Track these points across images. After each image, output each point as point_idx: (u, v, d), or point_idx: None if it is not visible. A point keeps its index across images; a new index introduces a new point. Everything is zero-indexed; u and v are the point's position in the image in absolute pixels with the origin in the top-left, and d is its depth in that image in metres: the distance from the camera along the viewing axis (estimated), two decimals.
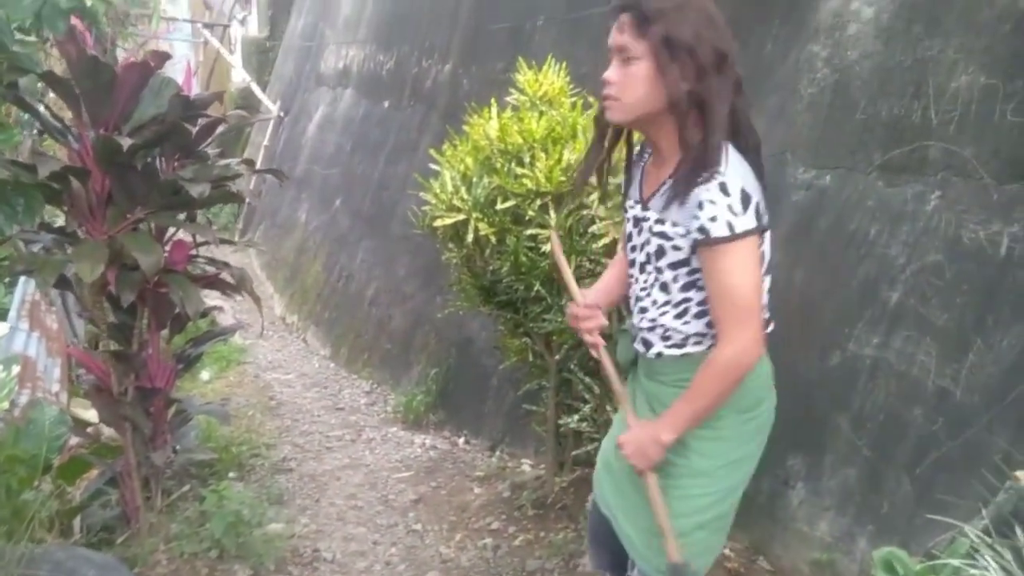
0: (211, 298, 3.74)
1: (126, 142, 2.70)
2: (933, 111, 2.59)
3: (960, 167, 2.50)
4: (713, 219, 1.61)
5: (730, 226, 1.61)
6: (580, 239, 2.95)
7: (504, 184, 3.05)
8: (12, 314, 3.91)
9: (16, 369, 3.48)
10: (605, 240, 2.83)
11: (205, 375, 5.73)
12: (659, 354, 1.82)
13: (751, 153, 1.72)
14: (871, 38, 2.88)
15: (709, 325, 1.74)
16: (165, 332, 3.24)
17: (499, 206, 3.08)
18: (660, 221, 1.72)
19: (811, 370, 2.81)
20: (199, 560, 3.00)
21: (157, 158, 3.00)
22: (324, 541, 3.38)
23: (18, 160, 2.83)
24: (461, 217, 3.14)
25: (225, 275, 3.19)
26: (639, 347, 1.87)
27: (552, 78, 3.30)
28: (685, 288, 1.75)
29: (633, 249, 1.83)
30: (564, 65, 3.38)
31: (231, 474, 3.88)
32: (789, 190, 3.05)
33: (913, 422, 2.45)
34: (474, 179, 3.16)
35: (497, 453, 4.22)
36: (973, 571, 1.70)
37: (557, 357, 3.31)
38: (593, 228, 2.89)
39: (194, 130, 2.99)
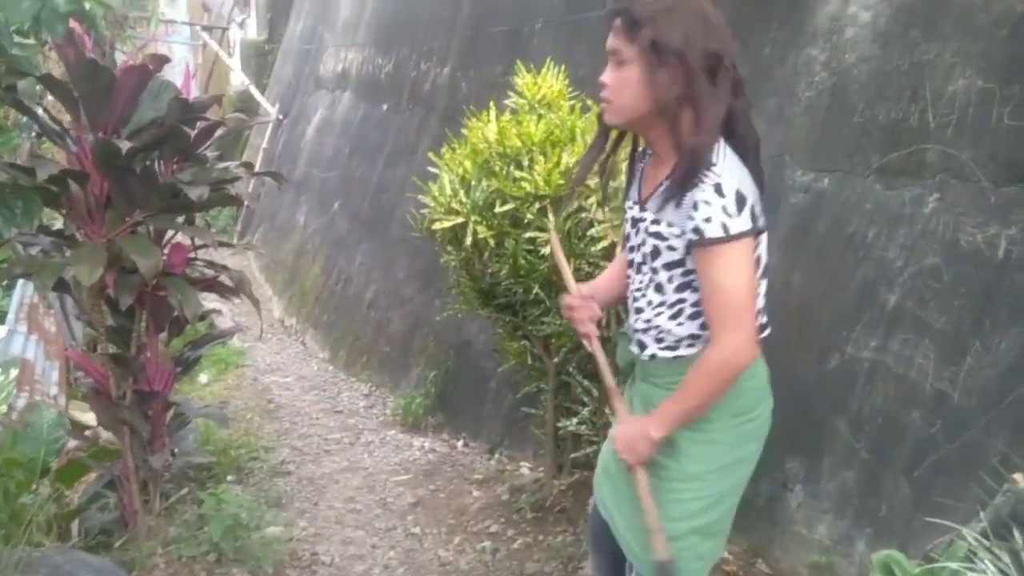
0: (209, 301, 3.73)
1: (125, 145, 2.70)
2: (930, 114, 2.60)
3: (957, 170, 2.50)
4: (708, 220, 1.62)
5: (724, 227, 1.61)
6: (579, 242, 2.95)
7: (503, 187, 3.05)
8: (10, 317, 3.91)
9: (14, 372, 3.47)
10: (604, 243, 2.83)
11: (203, 378, 5.73)
12: (653, 356, 1.82)
13: (750, 155, 1.72)
14: (868, 42, 2.88)
15: (703, 327, 1.75)
16: (163, 335, 3.24)
17: (498, 209, 3.08)
18: (656, 222, 1.73)
19: (809, 373, 2.81)
20: (197, 563, 3.00)
21: (156, 161, 3.00)
22: (322, 544, 3.38)
23: (17, 163, 2.83)
24: (460, 220, 3.14)
25: (224, 278, 3.19)
26: (634, 348, 1.88)
27: (551, 81, 3.31)
28: (680, 289, 1.75)
29: (631, 250, 1.84)
30: (562, 68, 3.38)
31: (229, 477, 3.87)
32: (787, 193, 3.06)
33: (911, 425, 2.46)
34: (473, 182, 3.17)
35: (496, 456, 4.22)
36: (971, 574, 1.71)
37: (556, 360, 3.31)
38: (592, 231, 2.90)
39: (193, 133, 3.00)
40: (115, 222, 2.87)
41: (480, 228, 3.10)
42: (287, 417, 5.14)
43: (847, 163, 2.87)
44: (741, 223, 1.62)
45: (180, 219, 3.09)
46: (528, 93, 3.29)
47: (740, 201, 1.63)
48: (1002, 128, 2.39)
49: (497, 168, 3.11)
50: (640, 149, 1.88)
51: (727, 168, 1.65)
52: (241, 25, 14.62)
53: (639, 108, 1.69)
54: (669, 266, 1.74)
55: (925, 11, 2.72)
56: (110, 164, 2.78)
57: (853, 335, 2.69)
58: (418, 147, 6.07)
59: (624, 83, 1.69)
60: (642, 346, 1.84)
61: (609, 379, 1.93)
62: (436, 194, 3.23)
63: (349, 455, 4.44)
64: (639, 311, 1.83)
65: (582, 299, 1.96)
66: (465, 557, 3.23)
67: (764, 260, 1.77)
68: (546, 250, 2.95)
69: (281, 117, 10.71)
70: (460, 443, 4.53)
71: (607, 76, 1.72)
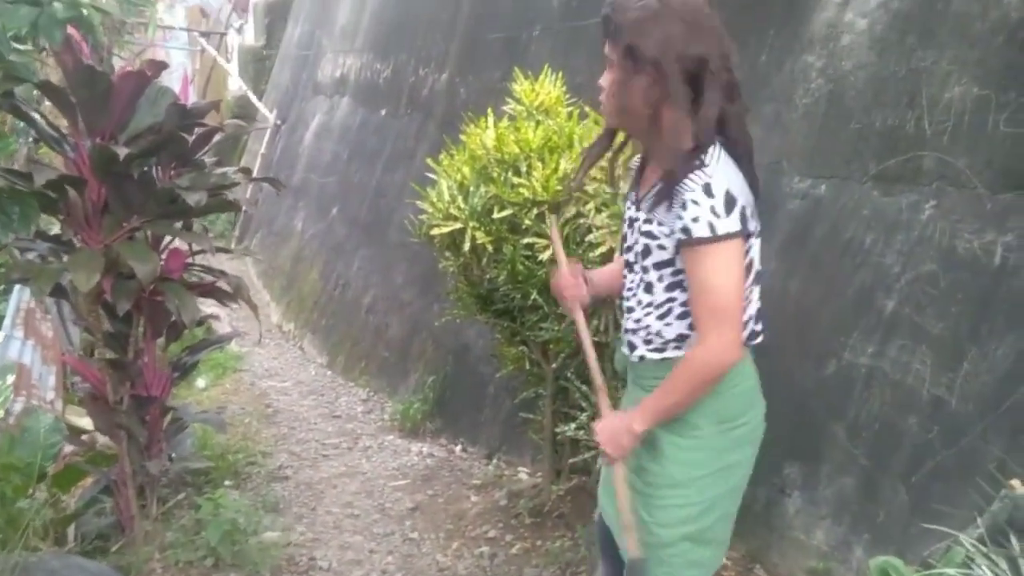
0: (207, 306, 3.74)
1: (122, 151, 2.71)
2: (927, 121, 2.60)
3: (954, 177, 2.51)
4: (696, 219, 1.63)
5: (712, 227, 1.62)
6: (577, 248, 2.96)
7: (501, 193, 3.06)
8: (7, 322, 3.90)
9: (11, 377, 3.47)
10: (602, 249, 2.84)
11: (201, 383, 5.72)
12: (641, 357, 1.83)
13: (743, 159, 1.73)
14: (865, 49, 2.89)
15: (691, 328, 1.75)
16: (161, 340, 3.24)
17: (496, 215, 3.08)
18: (648, 221, 1.75)
19: (807, 378, 2.81)
20: (194, 568, 2.99)
21: (154, 167, 3.01)
22: (320, 549, 3.37)
23: (14, 168, 2.83)
24: (458, 226, 3.14)
25: (221, 283, 3.20)
26: (625, 350, 1.89)
27: (548, 88, 3.32)
28: (669, 288, 1.76)
29: (627, 250, 1.86)
30: (560, 75, 3.39)
31: (227, 482, 3.86)
32: (785, 199, 3.07)
33: (908, 431, 2.46)
34: (471, 188, 3.17)
35: (494, 461, 4.22)
36: None
37: (554, 365, 3.31)
38: (590, 237, 2.90)
39: (191, 139, 3.00)
40: (113, 228, 2.87)
41: (478, 234, 3.10)
42: (285, 422, 5.13)
43: (844, 169, 2.88)
44: (729, 224, 1.63)
45: (178, 225, 3.09)
46: (526, 99, 3.30)
47: (729, 203, 1.63)
48: (998, 135, 2.40)
49: (495, 174, 3.12)
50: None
51: (719, 170, 1.66)
52: (239, 30, 14.64)
53: (622, 111, 1.74)
54: (659, 265, 1.76)
55: (922, 18, 2.73)
56: (108, 170, 2.78)
57: (850, 341, 2.69)
58: (416, 153, 6.08)
59: (611, 86, 1.74)
60: (632, 347, 1.85)
61: (592, 360, 1.96)
62: (434, 200, 3.24)
63: (347, 460, 4.44)
64: (630, 310, 1.85)
65: (572, 276, 2.00)
66: (463, 562, 3.23)
67: (757, 266, 1.78)
68: (544, 256, 2.96)
69: (279, 122, 10.71)
70: (458, 448, 4.53)
71: (602, 79, 1.77)
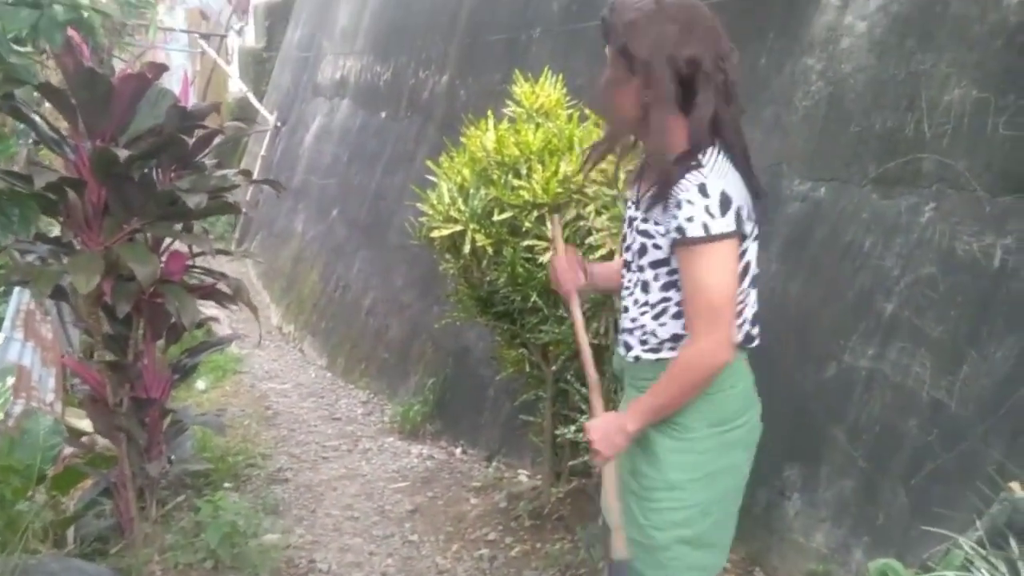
0: (207, 308, 3.74)
1: (123, 153, 2.71)
2: (926, 124, 2.61)
3: (953, 180, 2.51)
4: (690, 219, 1.63)
5: (705, 227, 1.63)
6: (577, 250, 2.96)
7: (501, 196, 3.06)
8: (7, 324, 3.90)
9: (11, 379, 3.47)
10: (602, 251, 2.84)
11: (201, 385, 5.72)
12: (637, 358, 1.84)
13: (740, 161, 1.73)
14: (864, 51, 2.90)
15: (686, 328, 1.76)
16: (161, 342, 3.24)
17: (496, 217, 3.09)
18: (645, 220, 1.76)
19: (807, 381, 2.81)
20: (194, 571, 2.99)
21: (154, 169, 3.01)
22: (320, 552, 3.37)
23: (14, 170, 2.83)
24: (458, 228, 3.15)
25: (221, 285, 3.19)
26: (621, 350, 1.89)
27: (548, 90, 3.32)
28: (665, 288, 1.77)
29: (626, 249, 1.87)
30: (560, 77, 3.39)
31: (227, 484, 3.86)
32: (785, 202, 3.07)
33: (908, 433, 2.46)
34: (471, 190, 3.17)
35: (494, 463, 4.22)
36: None
37: (554, 368, 3.31)
38: (590, 239, 2.90)
39: (191, 141, 3.00)
40: (113, 230, 2.87)
41: (478, 236, 3.10)
42: (285, 424, 5.13)
43: (844, 172, 2.88)
44: (724, 224, 1.64)
45: (178, 227, 3.09)
46: (526, 102, 3.30)
47: (724, 203, 1.64)
48: (997, 138, 2.41)
49: (495, 176, 3.12)
50: None
51: (715, 170, 1.67)
52: (239, 32, 14.65)
53: (615, 112, 1.77)
54: (655, 264, 1.76)
55: (921, 21, 2.73)
56: (108, 172, 2.78)
57: (850, 344, 2.69)
58: (416, 155, 6.08)
59: (605, 86, 1.76)
60: (627, 347, 1.86)
61: (584, 344, 1.97)
62: (434, 202, 3.24)
63: (347, 462, 4.43)
64: (626, 309, 1.86)
65: (568, 260, 2.02)
66: (463, 565, 3.23)
67: (754, 269, 1.78)
68: (544, 258, 2.96)
69: (279, 124, 10.72)
70: (458, 450, 4.53)
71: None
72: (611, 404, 2.04)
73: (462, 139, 3.34)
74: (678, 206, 1.65)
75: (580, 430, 3.25)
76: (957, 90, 2.54)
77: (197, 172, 3.04)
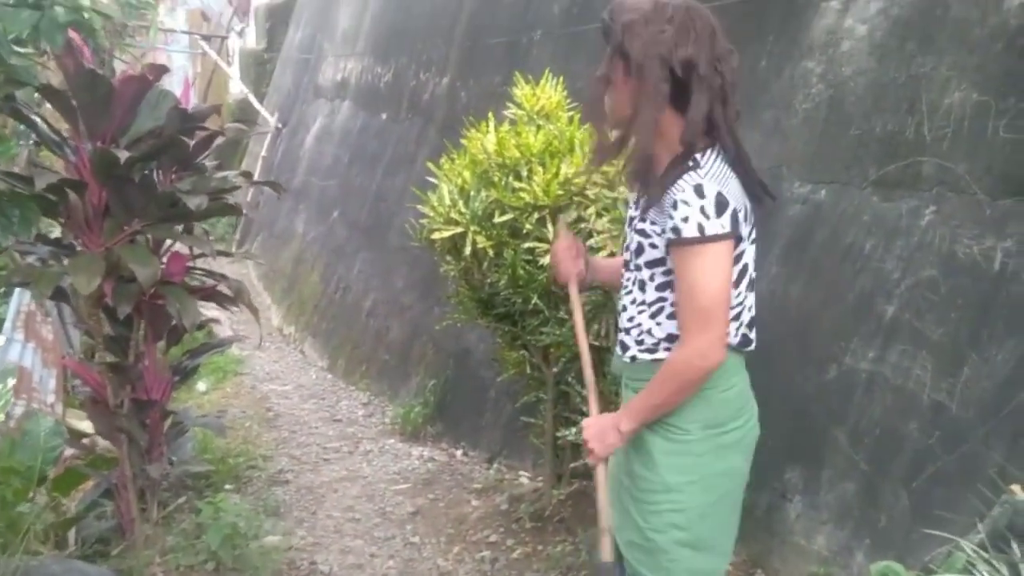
0: (208, 310, 3.74)
1: (123, 155, 2.71)
2: (927, 127, 2.61)
3: (954, 183, 2.51)
4: (685, 220, 1.64)
5: (700, 228, 1.63)
6: (578, 238, 2.96)
7: (502, 197, 3.06)
8: (8, 325, 3.90)
9: (12, 380, 3.47)
10: (603, 253, 2.84)
11: (202, 386, 5.72)
12: (633, 358, 1.84)
13: (737, 163, 1.73)
14: (865, 55, 2.90)
15: (679, 328, 1.76)
16: (162, 344, 3.24)
17: (497, 219, 3.09)
18: (642, 219, 1.77)
19: (808, 383, 2.81)
20: (195, 572, 2.99)
21: (154, 170, 3.01)
22: (321, 554, 3.37)
23: (15, 172, 2.83)
24: (459, 230, 3.15)
25: (222, 287, 3.19)
26: (618, 350, 1.89)
27: (549, 92, 3.32)
28: (660, 288, 1.77)
29: (625, 249, 1.88)
30: (561, 79, 3.40)
31: (228, 486, 3.87)
32: (785, 204, 3.07)
33: (909, 436, 2.46)
34: (472, 192, 3.18)
35: (495, 465, 4.22)
36: None
37: (555, 370, 3.31)
38: (591, 241, 2.90)
39: (192, 142, 3.00)
40: (113, 231, 2.87)
41: (479, 238, 3.10)
42: (286, 426, 5.13)
43: (844, 175, 2.88)
44: (719, 225, 1.64)
45: (179, 228, 3.09)
46: (527, 104, 3.30)
47: (721, 204, 1.64)
48: (997, 141, 2.41)
49: (496, 178, 3.12)
50: None
51: (712, 172, 1.67)
52: (240, 34, 14.67)
53: (611, 112, 1.78)
54: (651, 264, 1.77)
55: (921, 24, 2.74)
56: (108, 173, 2.78)
57: (851, 346, 2.69)
58: (417, 156, 6.09)
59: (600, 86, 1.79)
60: (624, 347, 1.86)
61: (583, 341, 1.99)
62: (435, 204, 3.24)
63: (348, 464, 4.43)
64: (624, 309, 1.87)
65: (568, 248, 2.04)
66: (464, 567, 3.23)
67: (751, 272, 1.78)
68: (544, 260, 2.96)
69: (280, 126, 10.73)
70: (459, 452, 4.53)
71: None
72: (611, 407, 2.03)
73: (463, 141, 3.34)
74: (674, 207, 1.65)
75: (581, 432, 3.25)
76: (957, 93, 2.54)
77: (198, 174, 3.04)
